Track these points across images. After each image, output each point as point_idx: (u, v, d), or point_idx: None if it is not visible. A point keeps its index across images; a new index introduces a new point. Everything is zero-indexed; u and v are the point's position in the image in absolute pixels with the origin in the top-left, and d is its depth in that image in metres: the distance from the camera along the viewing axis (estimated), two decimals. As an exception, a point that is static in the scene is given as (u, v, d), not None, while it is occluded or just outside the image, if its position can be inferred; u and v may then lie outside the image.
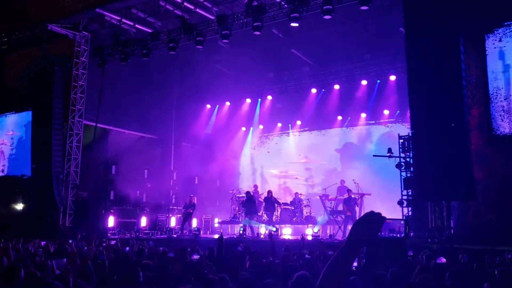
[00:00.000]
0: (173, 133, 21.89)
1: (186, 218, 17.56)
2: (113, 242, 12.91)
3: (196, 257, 8.40)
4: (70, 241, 12.50)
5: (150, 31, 17.27)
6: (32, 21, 18.35)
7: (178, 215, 19.56)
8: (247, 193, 17.48)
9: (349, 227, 14.49)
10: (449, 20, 11.42)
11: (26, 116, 19.74)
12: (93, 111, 18.24)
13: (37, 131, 18.33)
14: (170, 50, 16.56)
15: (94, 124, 18.27)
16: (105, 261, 7.34)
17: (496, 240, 10.85)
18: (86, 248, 11.15)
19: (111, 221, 17.86)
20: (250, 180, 21.93)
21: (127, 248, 10.61)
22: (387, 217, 2.18)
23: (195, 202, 18.12)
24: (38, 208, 18.16)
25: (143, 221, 18.73)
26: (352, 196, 15.61)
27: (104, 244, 12.59)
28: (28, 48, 20.19)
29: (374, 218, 1.85)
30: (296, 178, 21.14)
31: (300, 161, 20.96)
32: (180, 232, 16.92)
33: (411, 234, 11.75)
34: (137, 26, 17.30)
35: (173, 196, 20.24)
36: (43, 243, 11.89)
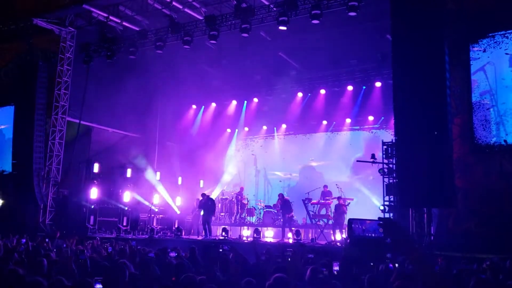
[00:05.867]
0: (157, 132, 21.76)
1: (194, 221, 17.90)
2: (96, 241, 12.76)
3: (173, 254, 8.35)
4: (47, 240, 12.27)
5: (137, 29, 17.15)
6: (17, 15, 18.09)
7: (160, 215, 19.47)
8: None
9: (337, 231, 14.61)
10: (435, 30, 11.57)
11: (8, 111, 19.41)
12: (76, 108, 18.04)
13: (19, 126, 18.05)
14: (157, 49, 16.49)
15: (77, 121, 18.06)
16: (87, 260, 7.25)
17: (475, 248, 10.99)
18: (65, 246, 11.00)
19: (91, 220, 17.66)
20: (235, 182, 21.85)
21: (110, 248, 10.49)
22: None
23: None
24: (17, 204, 17.86)
25: (125, 220, 18.57)
26: (342, 203, 15.64)
27: (86, 243, 12.42)
28: (12, 42, 19.85)
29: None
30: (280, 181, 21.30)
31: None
32: (190, 233, 17.02)
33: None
34: (124, 23, 17.16)
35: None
36: (23, 240, 11.68)
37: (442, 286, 1.83)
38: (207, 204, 16.48)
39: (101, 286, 4.00)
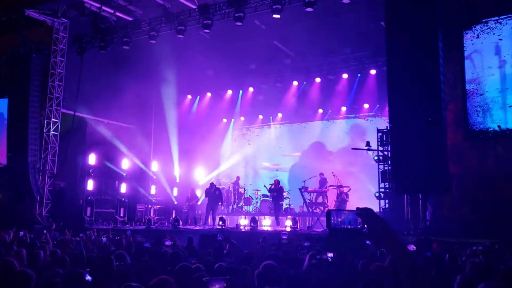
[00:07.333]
0: (153, 123, 21.71)
1: (190, 210, 18.11)
2: (92, 232, 12.81)
3: (168, 243, 8.40)
4: (45, 232, 12.31)
5: (130, 19, 17.05)
6: (8, 6, 17.91)
7: (157, 206, 19.53)
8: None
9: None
10: (429, 16, 11.54)
11: (2, 103, 19.32)
12: (71, 99, 17.96)
13: (14, 119, 17.98)
14: (150, 39, 16.40)
15: (72, 112, 18.00)
16: (83, 251, 7.29)
17: (469, 233, 11.09)
18: (62, 238, 11.04)
19: (88, 211, 17.70)
20: (233, 171, 21.84)
21: (104, 239, 10.53)
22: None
23: (196, 193, 18.56)
24: (14, 197, 17.86)
25: (121, 211, 18.63)
26: (342, 191, 15.72)
27: (81, 235, 12.47)
28: (4, 34, 19.69)
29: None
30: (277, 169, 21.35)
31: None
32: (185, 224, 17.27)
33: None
34: (117, 14, 17.05)
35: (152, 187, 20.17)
36: (21, 233, 11.70)
37: (424, 277, 1.84)
38: (215, 194, 16.69)
39: (90, 278, 4.03)
